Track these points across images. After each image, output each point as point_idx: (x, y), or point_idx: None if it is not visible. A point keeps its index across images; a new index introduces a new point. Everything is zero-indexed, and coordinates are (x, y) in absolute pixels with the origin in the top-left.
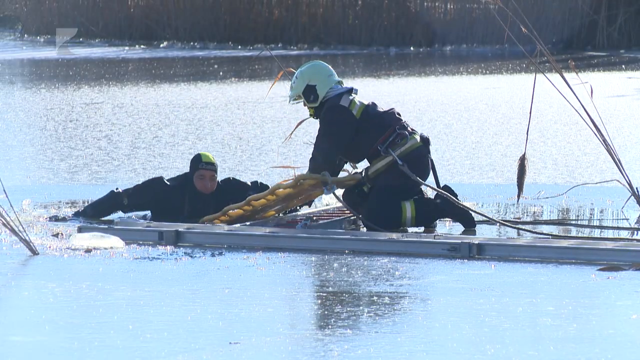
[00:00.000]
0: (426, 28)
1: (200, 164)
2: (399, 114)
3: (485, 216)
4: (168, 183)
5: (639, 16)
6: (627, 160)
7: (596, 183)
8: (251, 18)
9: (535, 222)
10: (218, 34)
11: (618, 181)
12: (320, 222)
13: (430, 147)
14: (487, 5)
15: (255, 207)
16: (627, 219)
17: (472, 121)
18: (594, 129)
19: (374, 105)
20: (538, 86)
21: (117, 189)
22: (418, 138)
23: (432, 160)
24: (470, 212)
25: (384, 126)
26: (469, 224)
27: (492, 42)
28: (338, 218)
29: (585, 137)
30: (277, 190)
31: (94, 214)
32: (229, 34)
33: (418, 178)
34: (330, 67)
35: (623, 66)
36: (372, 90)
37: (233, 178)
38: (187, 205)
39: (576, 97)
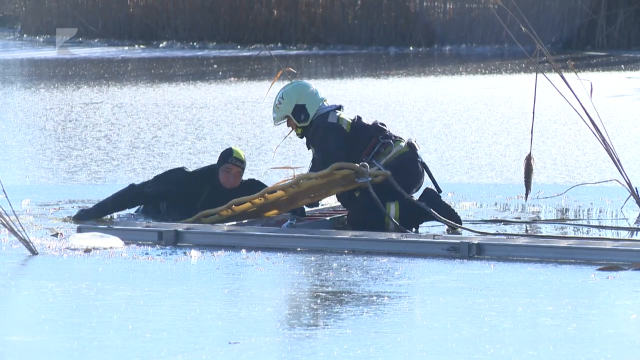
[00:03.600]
0: (426, 28)
1: (230, 158)
2: (382, 124)
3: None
4: (190, 171)
5: (638, 16)
6: (627, 160)
7: (595, 183)
8: (251, 18)
9: (534, 222)
10: (218, 34)
11: (617, 181)
12: (306, 221)
13: (419, 151)
14: (486, 5)
15: (267, 200)
16: (627, 219)
17: (471, 121)
18: (593, 128)
19: (359, 118)
20: (538, 85)
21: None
22: (404, 144)
23: (424, 164)
24: (456, 214)
25: (368, 138)
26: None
27: (491, 41)
28: (330, 217)
29: (585, 136)
30: (301, 182)
31: (114, 207)
32: (229, 34)
33: (403, 191)
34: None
35: (622, 66)
36: (371, 90)
37: (257, 180)
38: (205, 195)
39: (575, 96)
